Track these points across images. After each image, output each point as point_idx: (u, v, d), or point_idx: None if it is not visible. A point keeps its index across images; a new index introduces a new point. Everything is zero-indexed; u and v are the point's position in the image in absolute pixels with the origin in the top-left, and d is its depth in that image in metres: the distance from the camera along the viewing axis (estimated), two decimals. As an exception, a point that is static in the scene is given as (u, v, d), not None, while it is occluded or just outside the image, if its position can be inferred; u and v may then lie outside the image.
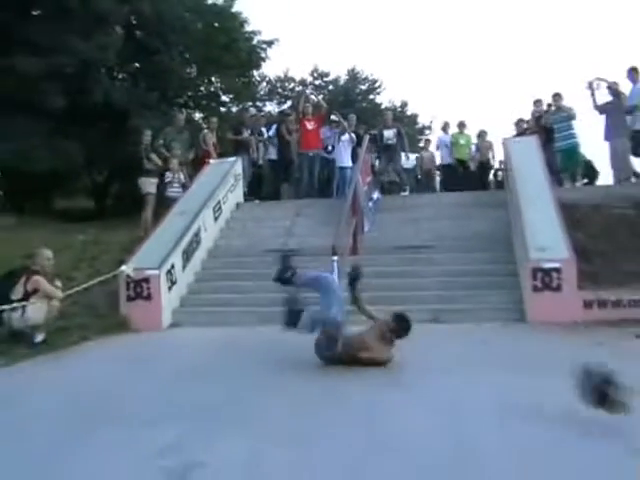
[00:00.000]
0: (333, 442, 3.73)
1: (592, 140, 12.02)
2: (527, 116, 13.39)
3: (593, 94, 10.98)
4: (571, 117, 11.88)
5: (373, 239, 9.57)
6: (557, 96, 12.16)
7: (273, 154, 13.04)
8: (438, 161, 15.30)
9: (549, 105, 12.45)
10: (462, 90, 59.24)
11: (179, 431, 3.97)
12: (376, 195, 11.08)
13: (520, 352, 5.83)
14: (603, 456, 3.34)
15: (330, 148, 12.76)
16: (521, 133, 12.91)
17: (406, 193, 12.79)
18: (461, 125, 14.65)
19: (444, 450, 3.53)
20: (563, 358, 5.50)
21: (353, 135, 12.98)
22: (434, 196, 11.81)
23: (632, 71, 10.48)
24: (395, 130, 13.03)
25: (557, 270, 7.16)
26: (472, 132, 14.97)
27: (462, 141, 14.54)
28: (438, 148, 15.08)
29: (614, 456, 3.33)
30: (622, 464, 3.23)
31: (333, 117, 13.17)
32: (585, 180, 13.22)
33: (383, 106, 33.40)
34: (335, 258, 7.52)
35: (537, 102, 12.82)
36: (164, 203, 10.91)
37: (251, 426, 4.05)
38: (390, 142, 12.86)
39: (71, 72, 15.60)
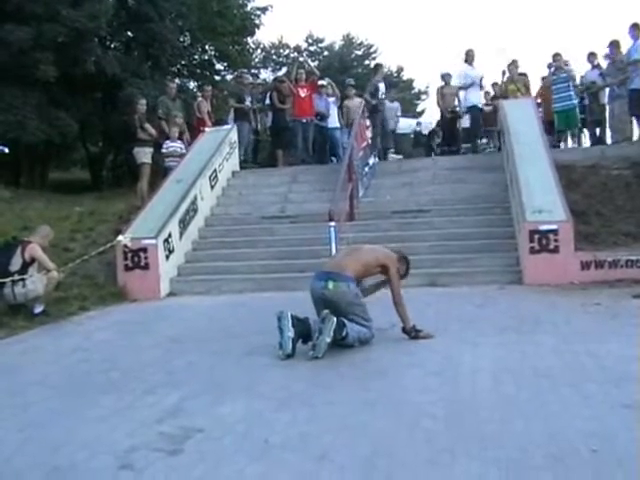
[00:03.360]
0: (330, 403, 3.72)
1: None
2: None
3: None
4: (571, 78, 11.69)
5: (369, 204, 9.52)
6: (557, 56, 11.94)
7: (269, 122, 12.95)
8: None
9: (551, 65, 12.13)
10: (459, 54, 58.50)
11: (178, 398, 3.95)
12: (372, 160, 10.97)
13: (517, 314, 5.81)
14: (600, 411, 3.33)
15: (321, 117, 12.65)
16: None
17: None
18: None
19: (437, 408, 3.52)
20: (560, 320, 5.53)
21: (337, 92, 13.08)
22: (430, 160, 11.70)
23: (634, 27, 10.32)
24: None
25: (554, 232, 7.11)
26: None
27: None
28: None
29: (611, 410, 3.32)
30: (616, 417, 3.22)
31: (322, 82, 13.01)
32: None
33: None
34: (332, 224, 7.47)
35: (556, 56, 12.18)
36: (162, 173, 10.80)
37: (251, 392, 4.03)
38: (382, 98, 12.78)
39: (63, 42, 15.34)
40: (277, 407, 3.71)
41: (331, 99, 12.87)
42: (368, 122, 12.27)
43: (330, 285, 4.79)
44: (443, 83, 13.01)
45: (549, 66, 12.17)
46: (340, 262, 5.09)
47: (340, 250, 5.63)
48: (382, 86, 12.92)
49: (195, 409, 3.75)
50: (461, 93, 12.65)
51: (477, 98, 12.68)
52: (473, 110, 12.61)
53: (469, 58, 12.41)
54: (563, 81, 11.63)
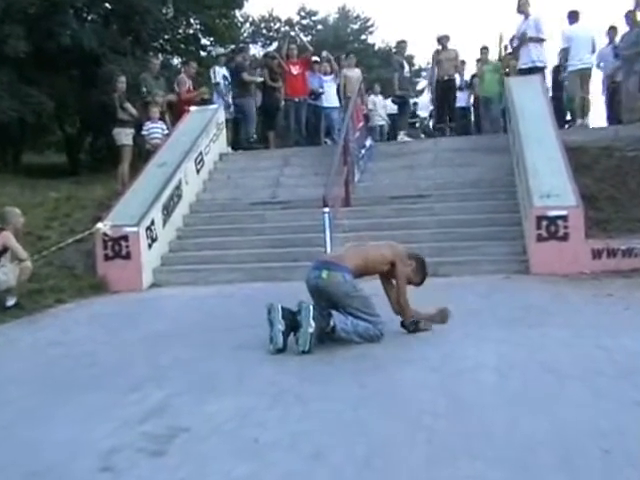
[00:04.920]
0: (324, 399, 3.74)
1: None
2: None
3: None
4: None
5: (366, 189, 9.52)
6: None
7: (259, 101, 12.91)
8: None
9: None
10: (460, 30, 58.34)
11: (162, 395, 3.95)
12: (369, 142, 10.96)
13: (523, 306, 5.82)
14: (611, 408, 3.35)
15: (315, 95, 12.63)
16: None
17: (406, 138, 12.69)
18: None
19: (438, 405, 3.53)
20: (569, 311, 5.56)
21: (336, 66, 13.06)
22: (431, 142, 11.70)
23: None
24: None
25: (563, 218, 7.12)
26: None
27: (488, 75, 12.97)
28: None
29: (623, 407, 3.34)
30: (629, 415, 3.24)
31: (315, 58, 12.97)
32: None
33: (376, 47, 32.98)
34: (326, 210, 7.47)
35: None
36: (144, 156, 10.76)
37: (240, 388, 4.04)
38: None
39: (35, 13, 15.20)
40: (268, 404, 3.72)
41: (328, 77, 12.82)
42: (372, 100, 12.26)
43: (324, 274, 4.79)
44: (440, 47, 12.64)
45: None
46: (339, 254, 5.12)
47: (344, 245, 5.61)
48: (407, 65, 12.90)
49: (181, 407, 3.76)
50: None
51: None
52: None
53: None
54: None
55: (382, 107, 14.80)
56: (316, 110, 12.78)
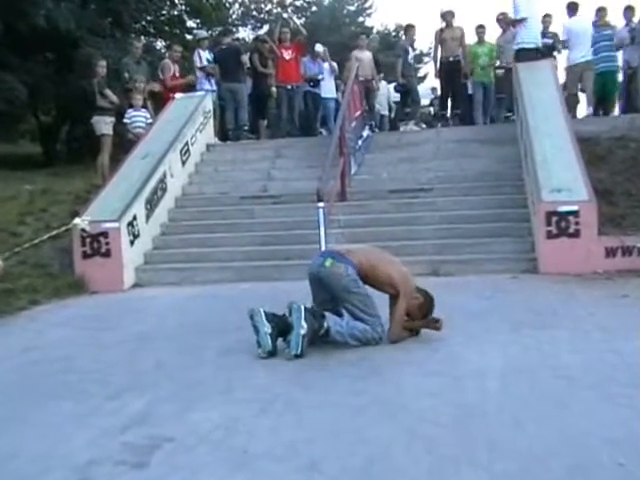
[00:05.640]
0: (318, 406, 3.75)
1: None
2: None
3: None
4: (615, 36, 11.69)
5: (363, 182, 9.53)
6: (601, 11, 11.81)
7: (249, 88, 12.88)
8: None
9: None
10: (463, 11, 58.30)
11: (144, 403, 3.95)
12: (366, 132, 10.97)
13: (531, 307, 5.84)
14: (625, 416, 3.36)
15: (313, 82, 12.63)
16: None
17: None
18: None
19: (439, 413, 3.54)
20: (581, 313, 5.57)
21: (334, 64, 12.98)
22: (432, 131, 11.70)
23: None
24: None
25: (574, 213, 7.13)
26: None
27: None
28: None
29: (638, 415, 3.36)
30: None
31: (318, 48, 12.95)
32: None
33: (375, 30, 32.92)
34: (321, 204, 7.46)
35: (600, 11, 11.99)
36: (125, 146, 10.74)
37: (228, 395, 4.04)
38: None
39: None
40: (258, 412, 3.72)
41: (325, 64, 12.87)
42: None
43: (327, 262, 4.83)
44: (444, 24, 12.26)
45: (593, 24, 12.07)
46: (349, 248, 5.16)
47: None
48: (411, 51, 12.87)
49: (164, 415, 3.76)
50: None
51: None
52: None
53: None
54: (607, 39, 11.60)
55: (384, 95, 14.66)
56: (315, 98, 12.75)
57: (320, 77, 12.70)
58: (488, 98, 12.66)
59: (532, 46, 11.05)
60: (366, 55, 12.70)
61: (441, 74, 12.61)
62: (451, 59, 12.24)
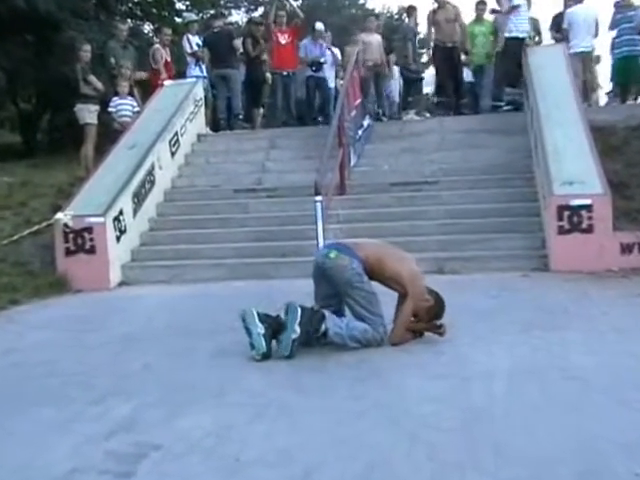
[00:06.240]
0: (315, 411, 3.75)
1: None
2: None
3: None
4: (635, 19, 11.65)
5: (363, 175, 9.54)
6: None
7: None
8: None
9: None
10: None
11: (130, 408, 3.95)
12: (367, 122, 10.96)
13: (542, 306, 5.85)
14: (636, 423, 3.37)
15: (315, 66, 12.59)
16: None
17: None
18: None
19: (443, 418, 3.55)
20: (594, 313, 5.58)
21: (336, 51, 12.94)
22: (436, 121, 11.67)
23: None
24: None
25: (588, 208, 7.14)
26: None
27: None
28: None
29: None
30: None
31: (319, 26, 12.91)
32: None
33: (377, 12, 32.87)
34: (318, 198, 7.47)
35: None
36: (111, 136, 10.73)
37: (220, 400, 4.05)
38: None
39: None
40: (251, 417, 3.72)
41: (327, 52, 12.86)
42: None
43: (332, 254, 4.88)
44: (436, 5, 11.74)
45: (616, 4, 11.96)
46: (357, 242, 5.21)
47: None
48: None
49: (151, 421, 3.76)
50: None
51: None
52: None
53: None
54: (628, 21, 11.60)
55: (397, 80, 14.38)
56: (319, 83, 12.68)
57: (322, 60, 12.58)
58: (484, 83, 12.40)
59: (524, 35, 11.17)
60: (375, 38, 12.49)
61: (435, 61, 12.41)
62: (449, 45, 11.74)
